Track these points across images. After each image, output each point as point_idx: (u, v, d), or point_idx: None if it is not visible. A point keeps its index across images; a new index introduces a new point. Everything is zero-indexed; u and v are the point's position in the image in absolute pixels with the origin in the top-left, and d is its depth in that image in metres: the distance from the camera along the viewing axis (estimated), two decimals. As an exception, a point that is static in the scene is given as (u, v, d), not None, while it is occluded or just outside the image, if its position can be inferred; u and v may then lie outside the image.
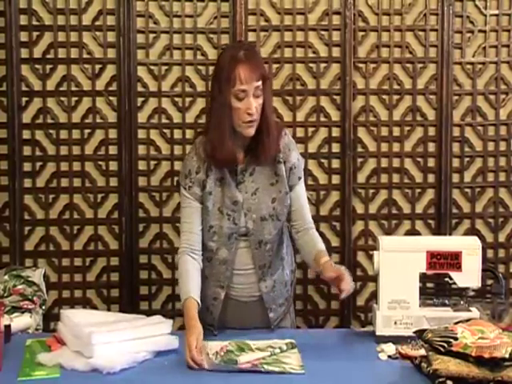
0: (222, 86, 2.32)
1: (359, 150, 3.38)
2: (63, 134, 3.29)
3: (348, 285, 2.18)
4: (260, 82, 2.32)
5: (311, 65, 3.34)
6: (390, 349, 2.20)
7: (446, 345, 1.96)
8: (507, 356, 1.88)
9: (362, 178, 3.39)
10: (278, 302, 2.49)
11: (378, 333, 2.30)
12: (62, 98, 3.27)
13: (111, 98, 3.29)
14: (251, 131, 2.35)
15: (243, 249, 2.42)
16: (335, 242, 3.39)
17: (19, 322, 2.58)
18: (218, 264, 2.42)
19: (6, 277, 2.82)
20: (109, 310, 3.30)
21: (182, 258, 2.38)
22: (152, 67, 3.30)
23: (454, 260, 2.28)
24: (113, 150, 3.30)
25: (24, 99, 3.26)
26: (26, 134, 3.27)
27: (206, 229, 2.40)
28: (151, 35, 3.28)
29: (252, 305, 2.46)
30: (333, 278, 2.19)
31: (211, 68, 3.18)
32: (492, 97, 3.41)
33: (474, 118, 3.41)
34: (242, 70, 2.30)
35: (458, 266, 2.29)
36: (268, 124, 2.37)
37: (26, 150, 3.28)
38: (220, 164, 2.38)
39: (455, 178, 3.41)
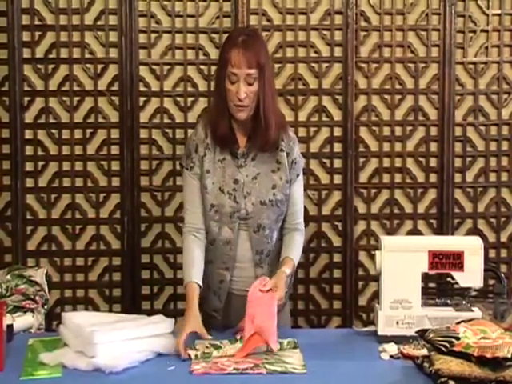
0: (219, 65, 2.43)
1: (361, 149, 3.38)
2: (65, 134, 3.29)
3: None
4: (253, 70, 2.33)
5: (313, 64, 3.34)
6: (392, 349, 2.19)
7: (448, 345, 1.96)
8: (509, 356, 1.87)
9: (363, 177, 3.39)
10: None
11: (380, 333, 2.30)
12: (64, 98, 3.28)
13: (113, 97, 3.29)
14: (241, 115, 2.38)
15: (243, 231, 2.43)
16: (337, 241, 3.39)
17: (21, 321, 2.57)
18: (222, 245, 2.44)
19: (9, 276, 2.82)
20: (111, 309, 3.31)
21: (187, 239, 2.43)
22: (154, 67, 3.30)
23: (456, 260, 2.28)
24: (115, 149, 3.30)
25: (26, 99, 3.26)
26: (28, 134, 3.28)
27: (208, 208, 2.42)
28: (153, 35, 3.29)
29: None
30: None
31: (213, 68, 3.19)
32: (494, 96, 3.40)
33: (476, 117, 3.41)
34: (236, 54, 2.33)
35: (460, 266, 2.29)
36: (265, 111, 2.37)
37: (28, 150, 3.28)
38: (218, 141, 2.43)
39: (457, 177, 3.41)
